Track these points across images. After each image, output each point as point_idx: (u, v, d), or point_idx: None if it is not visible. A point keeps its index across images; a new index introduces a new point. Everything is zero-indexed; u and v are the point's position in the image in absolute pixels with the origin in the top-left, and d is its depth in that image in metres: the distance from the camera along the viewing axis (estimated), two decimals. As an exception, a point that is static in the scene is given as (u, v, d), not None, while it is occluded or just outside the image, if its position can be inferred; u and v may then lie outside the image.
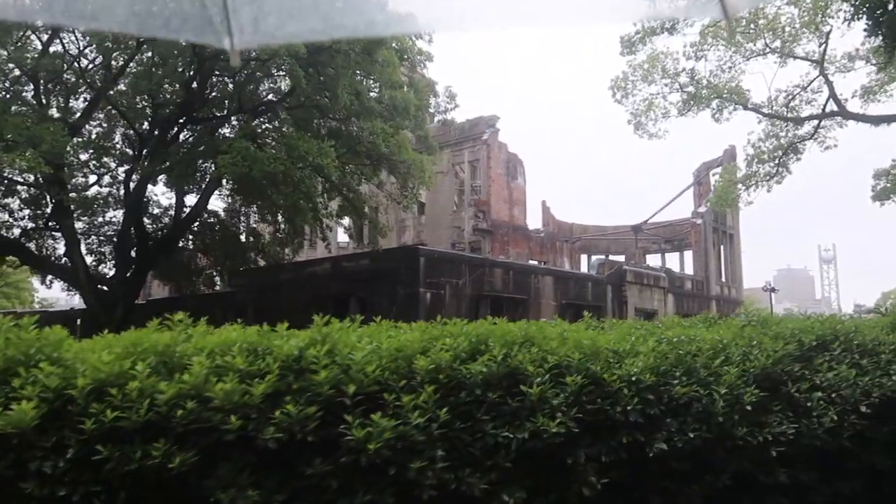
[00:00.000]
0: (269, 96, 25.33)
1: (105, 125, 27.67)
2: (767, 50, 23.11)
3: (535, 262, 45.25)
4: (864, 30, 9.46)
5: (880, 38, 9.04)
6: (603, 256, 41.59)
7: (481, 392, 3.34)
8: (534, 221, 47.28)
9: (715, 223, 39.10)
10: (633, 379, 3.66)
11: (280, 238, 28.90)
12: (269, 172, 16.84)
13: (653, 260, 46.70)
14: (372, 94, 21.96)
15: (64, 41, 21.62)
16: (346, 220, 29.13)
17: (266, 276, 27.20)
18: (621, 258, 46.18)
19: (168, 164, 22.40)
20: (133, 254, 25.73)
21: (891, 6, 8.45)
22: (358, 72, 20.11)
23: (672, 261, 46.42)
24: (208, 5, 3.11)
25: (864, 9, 8.77)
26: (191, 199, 27.92)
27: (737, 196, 25.21)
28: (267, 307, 24.10)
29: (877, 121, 20.04)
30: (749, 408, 3.99)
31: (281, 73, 22.81)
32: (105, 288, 26.46)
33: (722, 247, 40.53)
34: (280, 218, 27.86)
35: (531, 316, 24.72)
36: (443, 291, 21.84)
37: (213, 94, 25.35)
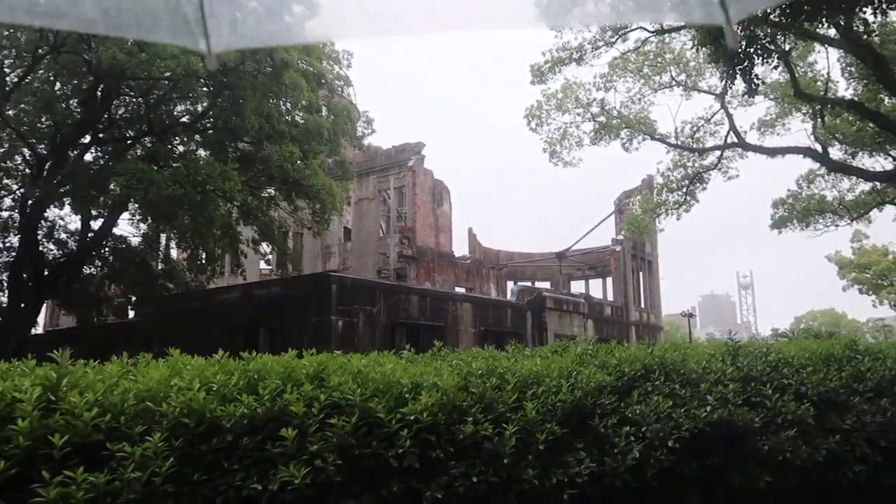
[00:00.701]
0: (185, 118, 24.57)
1: (6, 145, 26.19)
2: (673, 83, 23.95)
3: (462, 289, 45.27)
4: (708, 55, 9.82)
5: (720, 64, 9.38)
6: (525, 283, 41.95)
7: (233, 437, 3.00)
8: (461, 248, 47.41)
9: (634, 250, 40.02)
10: (412, 419, 3.38)
11: (194, 265, 27.85)
12: (167, 196, 16.12)
13: (577, 286, 47.40)
14: (286, 118, 21.60)
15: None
16: (265, 247, 28.30)
17: (174, 304, 26.06)
18: (547, 284, 46.75)
19: (66, 186, 21.30)
20: (29, 281, 24.27)
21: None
22: (269, 94, 19.68)
23: (596, 287, 47.22)
24: (183, 5, 2.97)
25: (708, 37, 9.09)
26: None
27: (649, 223, 25.80)
28: (175, 337, 23.06)
29: (772, 152, 20.91)
30: (542, 447, 3.75)
31: (192, 94, 22.20)
32: (-1, 317, 24.88)
33: (641, 273, 41.49)
34: (190, 244, 26.89)
35: (449, 343, 24.47)
36: (356, 319, 21.35)
37: (124, 114, 24.41)
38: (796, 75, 21.16)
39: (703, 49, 10.03)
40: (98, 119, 21.93)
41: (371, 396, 3.41)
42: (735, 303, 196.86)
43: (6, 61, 20.35)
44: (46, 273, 25.12)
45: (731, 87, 12.86)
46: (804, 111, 22.43)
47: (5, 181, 25.30)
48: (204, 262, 27.57)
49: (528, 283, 45.96)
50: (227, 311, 23.54)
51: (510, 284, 49.10)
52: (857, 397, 5.37)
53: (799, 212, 23.59)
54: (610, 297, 41.30)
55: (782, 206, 23.81)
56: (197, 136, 23.90)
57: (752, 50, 9.73)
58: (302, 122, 21.44)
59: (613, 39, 19.67)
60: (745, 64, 9.85)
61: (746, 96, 14.50)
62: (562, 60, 20.50)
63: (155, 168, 17.22)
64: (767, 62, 10.62)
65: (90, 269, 28.71)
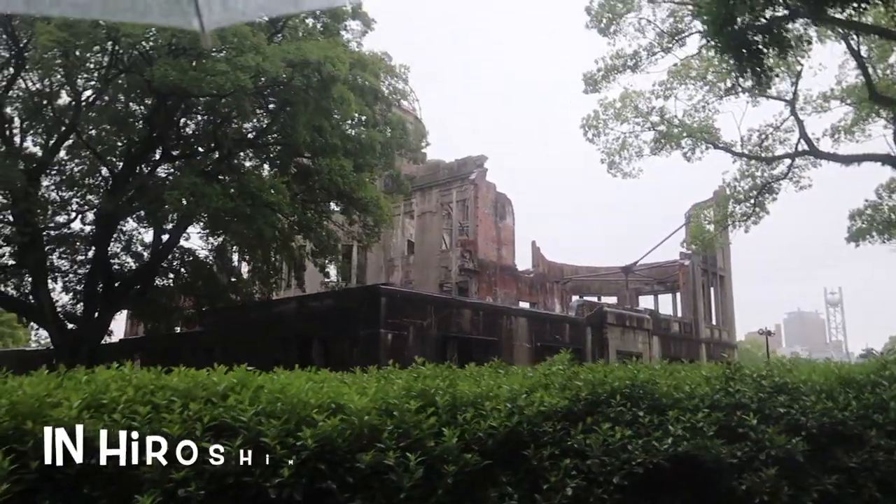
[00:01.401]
0: (251, 134, 25.27)
1: (87, 163, 27.62)
2: (739, 88, 22.82)
3: (526, 304, 44.61)
4: (715, 47, 9.17)
5: (728, 56, 8.71)
6: (590, 298, 40.87)
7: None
8: (524, 262, 46.81)
9: (704, 264, 38.38)
10: (300, 444, 3.09)
11: (256, 277, 28.55)
12: (216, 208, 16.55)
13: (646, 302, 45.91)
14: (339, 132, 21.84)
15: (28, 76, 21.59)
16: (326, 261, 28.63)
17: (235, 315, 26.73)
18: (613, 300, 45.44)
19: (137, 200, 22.24)
20: (101, 291, 25.43)
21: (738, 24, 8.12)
22: (320, 109, 19.95)
23: (665, 303, 45.59)
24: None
25: (714, 27, 8.45)
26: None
27: (713, 237, 24.61)
28: (234, 347, 23.61)
29: (847, 160, 19.56)
30: (452, 480, 3.36)
31: (258, 111, 22.78)
32: (74, 326, 26.21)
33: (712, 289, 39.72)
34: (252, 256, 27.58)
35: (503, 358, 24.02)
36: (405, 332, 21.25)
37: (195, 131, 25.35)
38: (871, 77, 19.80)
39: (713, 42, 9.36)
40: (166, 136, 22.83)
41: (266, 418, 3.16)
42: (824, 321, 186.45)
43: (78, 81, 21.47)
44: (118, 284, 26.26)
45: (744, 81, 11.99)
46: (885, 116, 20.91)
47: (88, 197, 26.62)
48: (263, 273, 28.26)
49: (594, 298, 44.85)
50: (283, 323, 23.93)
51: (575, 299, 48.12)
52: (873, 430, 4.65)
53: (879, 223, 21.92)
54: (679, 314, 39.71)
55: (860, 217, 22.19)
56: (260, 153, 24.58)
57: (760, 39, 8.97)
58: (355, 135, 21.61)
59: (670, 45, 18.93)
60: (754, 56, 9.09)
61: (756, 89, 13.55)
62: (616, 68, 19.90)
63: (208, 183, 17.68)
64: (782, 55, 9.84)
65: (163, 280, 29.80)
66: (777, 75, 15.47)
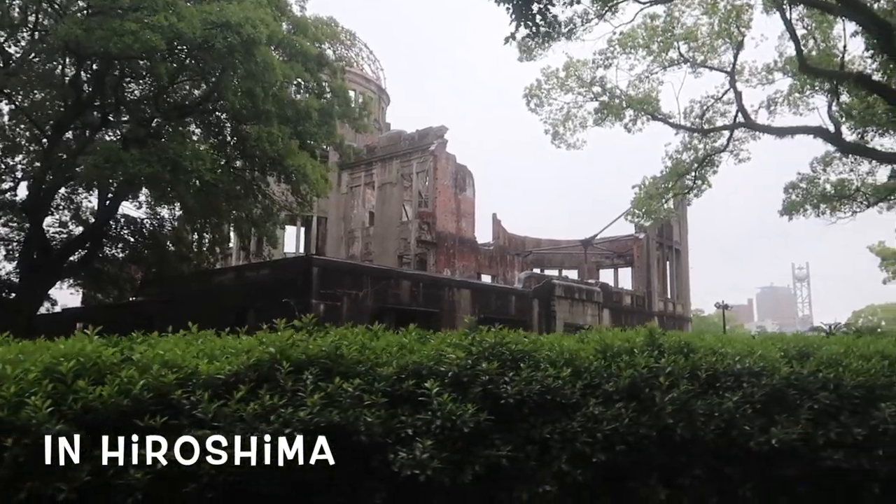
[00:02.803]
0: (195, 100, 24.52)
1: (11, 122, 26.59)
2: (682, 59, 22.60)
3: (488, 277, 44.58)
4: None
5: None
6: (542, 270, 40.93)
7: None
8: (485, 236, 46.67)
9: (660, 238, 38.49)
10: None
11: (200, 245, 28.12)
12: (132, 174, 16.10)
13: (606, 275, 46.06)
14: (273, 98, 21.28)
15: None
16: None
17: (177, 285, 26.33)
18: (574, 273, 45.54)
19: (64, 166, 21.63)
20: (36, 259, 24.88)
21: None
22: (249, 74, 19.38)
23: (625, 276, 45.79)
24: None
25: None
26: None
27: (657, 209, 24.53)
28: (174, 317, 23.31)
29: (781, 132, 19.49)
30: None
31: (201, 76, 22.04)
32: (13, 294, 25.74)
33: (669, 262, 39.90)
34: (194, 225, 27.08)
35: (444, 330, 23.94)
36: (339, 303, 21.05)
37: (136, 96, 24.62)
38: (812, 49, 19.66)
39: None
40: (101, 101, 22.10)
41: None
42: (796, 295, 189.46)
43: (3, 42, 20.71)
44: (58, 253, 25.70)
45: (517, 33, 11.68)
46: (822, 88, 20.80)
47: (35, 164, 25.81)
48: (212, 242, 27.84)
49: (555, 272, 44.88)
50: (222, 293, 23.60)
51: (537, 272, 48.19)
52: (592, 399, 4.50)
53: (815, 196, 21.93)
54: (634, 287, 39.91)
55: (794, 190, 22.19)
56: (201, 119, 23.92)
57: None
58: (288, 102, 21.11)
59: (603, 12, 18.58)
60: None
61: (528, 41, 13.47)
62: (550, 35, 19.48)
63: (124, 148, 17.16)
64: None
65: (111, 249, 29.27)
66: (560, 24, 14.99)
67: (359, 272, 21.99)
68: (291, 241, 47.87)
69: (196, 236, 30.17)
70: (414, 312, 23.13)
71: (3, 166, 25.65)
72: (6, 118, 24.82)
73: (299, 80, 22.03)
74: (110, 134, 24.93)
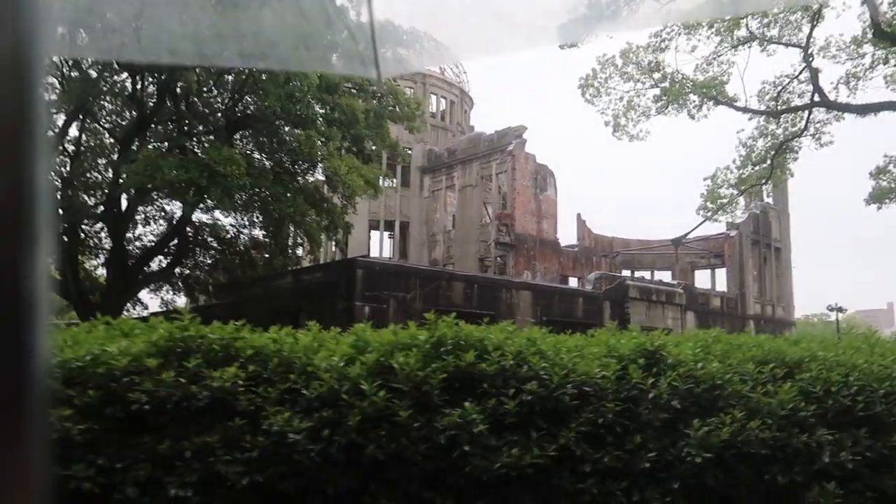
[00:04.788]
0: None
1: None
2: (751, 38, 20.60)
3: (573, 280, 42.99)
4: None
5: None
6: (622, 272, 38.89)
7: None
8: (571, 237, 45.11)
9: (755, 235, 35.44)
10: None
11: (267, 250, 28.86)
12: (168, 181, 16.64)
13: (702, 277, 43.27)
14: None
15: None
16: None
17: (243, 289, 27.18)
18: (667, 275, 43.02)
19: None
20: (114, 266, 26.47)
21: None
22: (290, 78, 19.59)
23: (722, 277, 42.74)
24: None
25: None
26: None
27: (731, 202, 22.54)
28: (239, 320, 24.04)
29: (862, 110, 17.21)
30: None
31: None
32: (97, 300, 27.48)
33: (767, 261, 36.70)
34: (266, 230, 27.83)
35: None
36: (385, 306, 20.77)
37: (205, 109, 25.73)
38: (890, 10, 17.29)
39: None
40: (159, 113, 23.21)
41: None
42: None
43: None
44: (136, 260, 27.27)
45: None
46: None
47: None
48: (280, 247, 28.52)
49: (646, 273, 42.60)
50: (279, 296, 24.05)
51: (626, 274, 46.00)
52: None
53: (909, 182, 19.22)
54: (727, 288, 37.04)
55: (884, 175, 19.49)
56: (247, 127, 24.46)
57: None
58: (333, 105, 21.14)
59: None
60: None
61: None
62: (592, 18, 18.30)
63: (163, 156, 17.79)
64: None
65: (197, 255, 30.78)
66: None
67: (406, 274, 21.65)
68: (376, 246, 48.44)
69: (270, 241, 31.11)
70: (467, 315, 22.48)
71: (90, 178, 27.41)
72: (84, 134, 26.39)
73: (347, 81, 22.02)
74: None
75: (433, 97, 46.65)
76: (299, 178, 21.70)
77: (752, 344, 5.02)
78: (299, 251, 31.67)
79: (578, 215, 43.20)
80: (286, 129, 21.57)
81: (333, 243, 28.15)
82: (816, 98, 18.58)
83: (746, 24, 20.54)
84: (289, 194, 20.28)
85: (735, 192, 21.90)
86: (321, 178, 22.83)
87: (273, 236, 27.15)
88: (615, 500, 3.69)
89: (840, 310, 41.01)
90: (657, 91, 21.91)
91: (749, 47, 20.75)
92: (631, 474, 3.79)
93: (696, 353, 4.59)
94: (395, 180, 45.00)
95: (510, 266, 39.27)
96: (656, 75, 21.54)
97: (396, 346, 4.21)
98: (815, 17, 19.34)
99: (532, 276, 39.32)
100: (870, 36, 19.98)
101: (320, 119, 20.87)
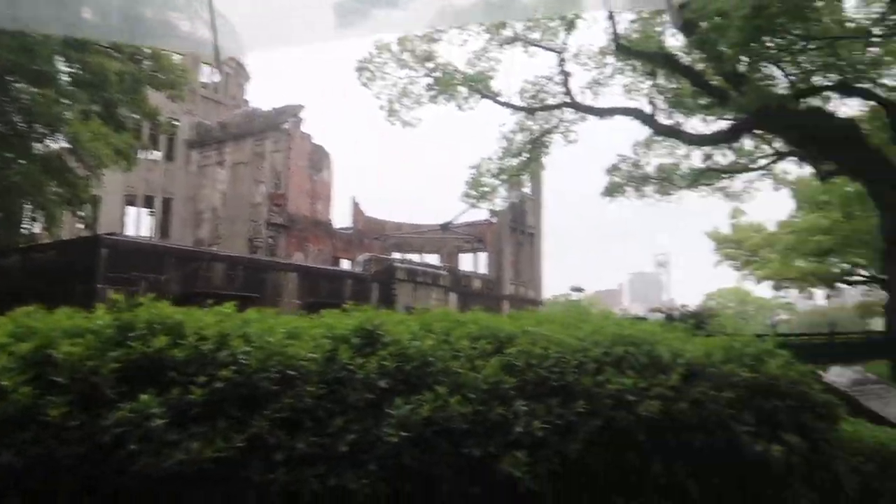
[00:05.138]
0: None
1: None
2: (515, 38, 22.01)
3: (346, 262, 43.01)
4: None
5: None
6: (393, 255, 40.03)
7: None
8: (346, 220, 45.13)
9: (514, 223, 38.46)
10: None
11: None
12: None
13: (466, 259, 45.83)
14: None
15: None
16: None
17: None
18: (435, 258, 44.93)
19: None
20: None
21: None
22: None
23: (484, 260, 45.72)
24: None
25: None
26: None
27: (493, 191, 23.97)
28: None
29: (602, 113, 19.29)
30: None
31: None
32: None
33: (523, 247, 40.04)
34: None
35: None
36: (135, 288, 18.86)
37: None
38: (631, 27, 19.52)
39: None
40: None
41: None
42: (663, 281, 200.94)
43: None
44: None
45: None
46: (645, 70, 20.80)
47: None
48: (3, 221, 24.59)
49: (416, 256, 44.06)
50: (6, 276, 20.77)
51: (397, 256, 47.22)
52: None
53: (637, 178, 22.16)
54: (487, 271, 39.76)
55: (616, 172, 22.33)
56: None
57: None
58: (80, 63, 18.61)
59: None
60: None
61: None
62: (373, 2, 18.21)
63: None
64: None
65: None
66: None
67: (161, 253, 19.89)
68: (133, 223, 44.05)
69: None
70: (229, 297, 21.31)
71: None
72: None
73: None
74: None
75: (206, 67, 43.54)
76: (37, 144, 18.74)
77: (471, 321, 5.07)
78: (36, 228, 27.69)
79: (353, 198, 43.30)
80: (20, 85, 18.62)
81: (80, 220, 24.83)
82: (567, 99, 20.46)
83: (512, 26, 21.92)
84: (21, 161, 17.43)
85: (496, 181, 23.33)
86: (68, 145, 19.99)
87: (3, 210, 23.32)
88: (308, 487, 3.50)
89: (579, 290, 46.14)
90: (430, 80, 22.54)
91: (514, 47, 22.17)
92: (329, 459, 3.64)
93: (416, 331, 4.58)
94: (157, 153, 41.30)
95: (282, 247, 38.14)
96: (429, 65, 22.12)
97: (68, 333, 3.64)
98: (570, 27, 21.22)
99: (305, 258, 38.64)
100: (613, 48, 22.56)
101: (64, 78, 18.29)
